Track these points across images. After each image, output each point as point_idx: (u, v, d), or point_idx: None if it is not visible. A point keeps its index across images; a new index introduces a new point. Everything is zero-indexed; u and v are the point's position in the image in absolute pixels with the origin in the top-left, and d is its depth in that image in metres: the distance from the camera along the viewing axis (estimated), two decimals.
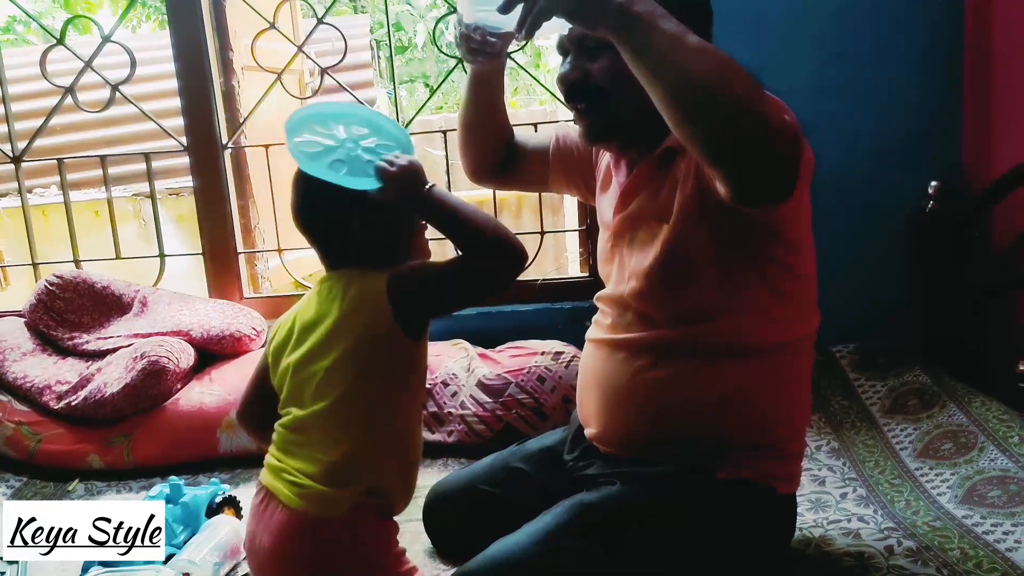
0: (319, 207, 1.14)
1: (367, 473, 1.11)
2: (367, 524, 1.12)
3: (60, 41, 2.39)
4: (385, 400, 1.12)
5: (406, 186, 1.10)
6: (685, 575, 1.20)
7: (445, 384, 2.07)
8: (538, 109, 5.58)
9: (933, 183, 2.08)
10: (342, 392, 1.10)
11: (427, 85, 8.42)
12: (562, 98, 1.31)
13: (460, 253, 1.10)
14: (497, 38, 1.32)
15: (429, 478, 1.77)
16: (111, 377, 2.08)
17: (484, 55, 1.35)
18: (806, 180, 1.16)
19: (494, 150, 1.53)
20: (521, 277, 2.54)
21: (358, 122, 1.17)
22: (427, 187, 1.11)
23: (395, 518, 1.17)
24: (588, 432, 1.36)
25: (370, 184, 1.10)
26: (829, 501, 1.58)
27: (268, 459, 1.17)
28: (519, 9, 1.07)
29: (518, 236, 1.10)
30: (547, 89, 2.89)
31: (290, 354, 1.16)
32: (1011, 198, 1.91)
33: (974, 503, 1.50)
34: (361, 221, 1.13)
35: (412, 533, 1.59)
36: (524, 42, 1.16)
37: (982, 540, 1.38)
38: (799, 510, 1.42)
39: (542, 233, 2.38)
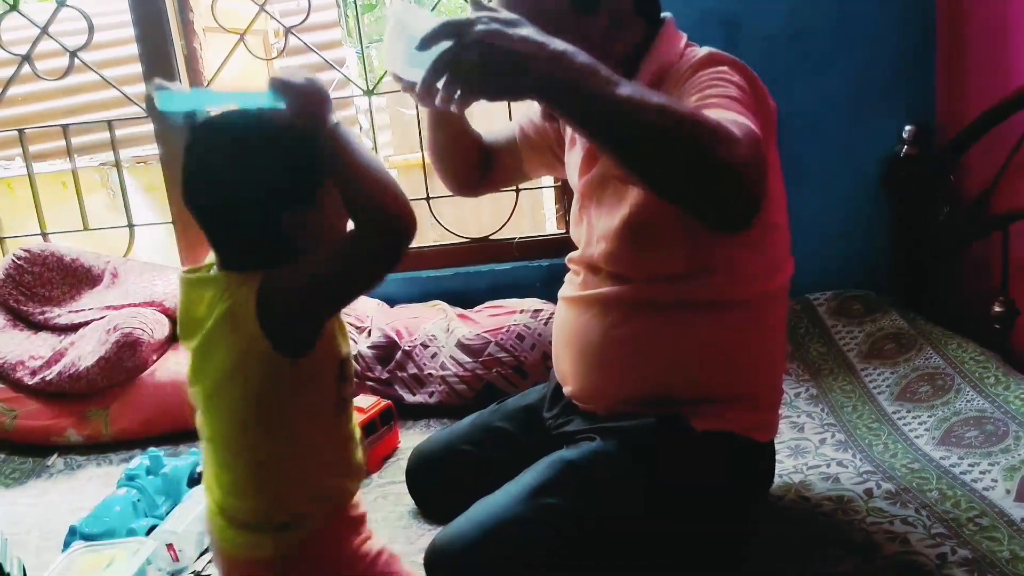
0: (246, 194, 0.90)
1: (268, 510, 0.95)
2: (312, 551, 0.96)
3: (14, 7, 2.31)
4: (270, 429, 0.94)
5: (313, 102, 0.88)
6: (667, 527, 1.20)
7: (424, 346, 2.06)
8: None
9: (908, 127, 2.07)
10: (218, 430, 0.95)
11: None
12: None
13: (354, 228, 0.88)
14: None
15: (411, 440, 1.77)
16: (85, 350, 2.05)
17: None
18: (771, 133, 1.15)
19: (471, 164, 1.53)
20: (497, 236, 2.53)
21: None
22: (332, 115, 0.89)
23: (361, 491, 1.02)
24: (565, 390, 1.36)
25: (266, 100, 0.89)
26: (808, 447, 1.60)
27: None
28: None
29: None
30: None
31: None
32: (984, 141, 1.91)
33: (951, 444, 1.52)
34: (294, 218, 0.91)
35: (396, 495, 1.59)
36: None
37: (959, 480, 1.40)
38: (778, 457, 1.43)
39: (517, 191, 2.36)
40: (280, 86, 0.88)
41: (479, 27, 0.96)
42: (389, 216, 0.87)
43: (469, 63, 0.96)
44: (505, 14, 1.00)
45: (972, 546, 1.21)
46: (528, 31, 0.98)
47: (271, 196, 0.90)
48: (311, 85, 0.89)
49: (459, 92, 0.99)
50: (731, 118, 1.00)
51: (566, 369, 1.35)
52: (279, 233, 0.91)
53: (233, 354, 0.90)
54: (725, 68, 1.11)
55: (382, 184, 0.88)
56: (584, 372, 1.31)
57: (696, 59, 1.16)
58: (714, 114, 1.01)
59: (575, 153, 1.36)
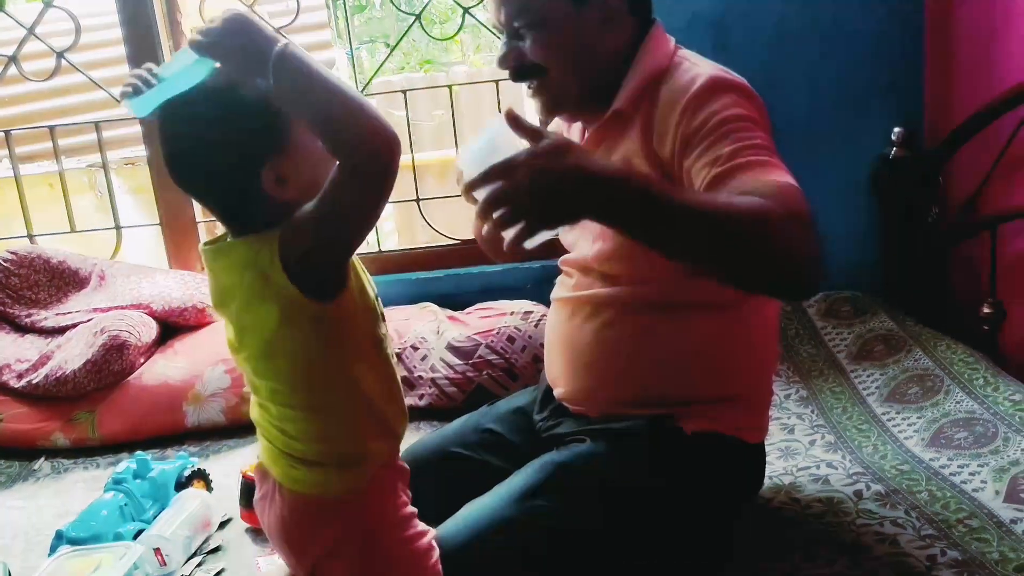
0: (214, 166, 0.92)
1: (335, 450, 1.01)
2: (368, 494, 1.04)
3: (0, 7, 2.30)
4: (324, 375, 0.99)
5: (239, 35, 0.87)
6: (657, 528, 1.20)
7: (415, 348, 2.05)
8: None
9: (896, 129, 2.08)
10: (274, 388, 0.99)
11: (387, 44, 8.25)
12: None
13: (333, 157, 0.88)
14: None
15: (402, 443, 1.76)
16: (72, 353, 2.03)
17: None
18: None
19: None
20: None
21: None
22: (275, 41, 0.87)
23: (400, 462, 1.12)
24: (556, 392, 1.35)
25: (197, 71, 0.90)
26: (798, 448, 1.60)
27: (259, 435, 1.08)
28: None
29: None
30: None
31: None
32: (973, 143, 1.92)
33: (941, 445, 1.52)
34: (273, 170, 0.92)
35: None
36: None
37: (949, 481, 1.40)
38: (768, 459, 1.43)
39: None
40: (204, 49, 0.89)
41: (521, 172, 0.94)
42: (358, 140, 0.86)
43: (520, 205, 0.95)
44: (550, 140, 0.97)
45: (962, 547, 1.22)
46: (575, 160, 0.95)
47: (237, 160, 0.92)
48: (226, 36, 0.88)
49: (513, 230, 0.97)
50: (774, 184, 1.02)
51: (557, 371, 1.35)
52: (261, 190, 0.92)
53: (275, 312, 0.93)
54: (735, 97, 1.12)
55: (342, 106, 0.86)
56: (575, 374, 1.30)
57: (700, 86, 1.14)
58: (754, 177, 1.02)
59: None
